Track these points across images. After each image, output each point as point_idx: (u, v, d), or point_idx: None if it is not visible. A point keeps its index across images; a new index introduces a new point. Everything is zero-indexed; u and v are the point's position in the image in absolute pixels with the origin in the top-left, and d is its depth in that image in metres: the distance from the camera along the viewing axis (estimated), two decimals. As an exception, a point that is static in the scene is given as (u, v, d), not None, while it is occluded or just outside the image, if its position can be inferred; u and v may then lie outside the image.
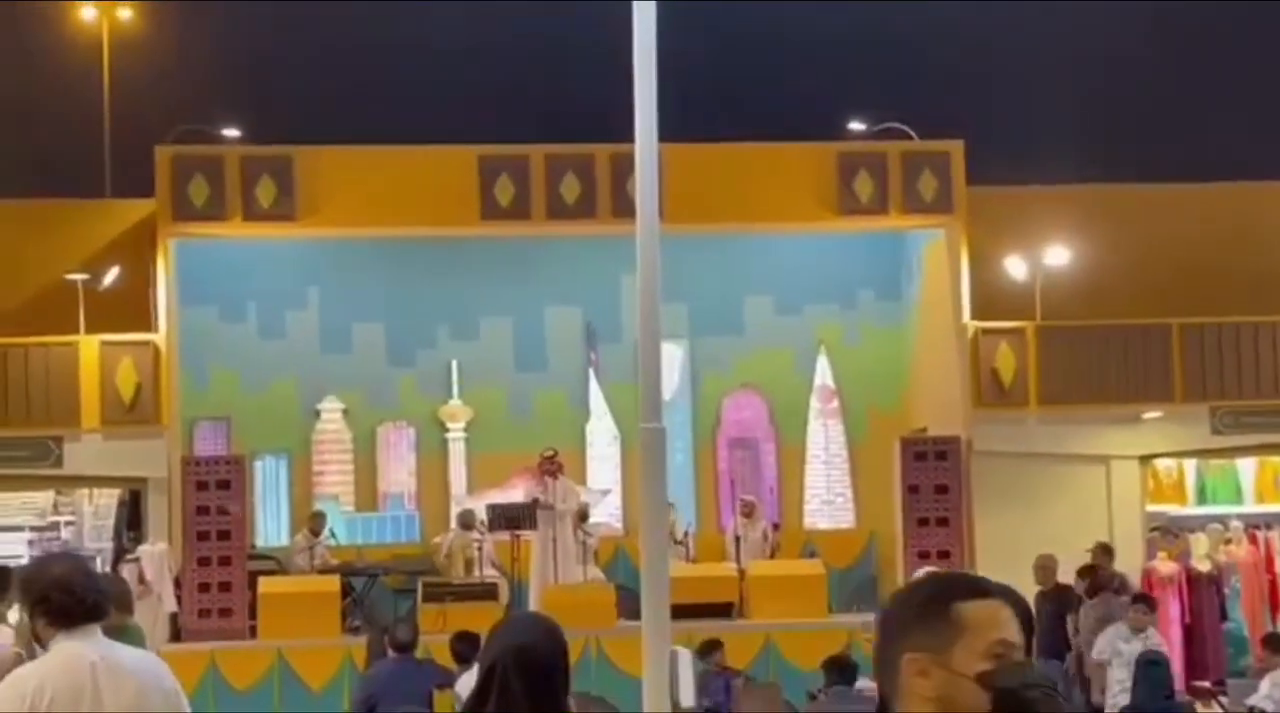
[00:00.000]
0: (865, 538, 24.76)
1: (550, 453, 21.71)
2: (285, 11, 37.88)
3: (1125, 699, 14.34)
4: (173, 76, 34.25)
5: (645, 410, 8.71)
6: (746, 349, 25.52)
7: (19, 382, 21.99)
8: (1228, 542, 22.32)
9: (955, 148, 23.69)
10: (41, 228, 23.15)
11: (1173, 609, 21.10)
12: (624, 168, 20.75)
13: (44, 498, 23.83)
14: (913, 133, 25.04)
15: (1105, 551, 20.91)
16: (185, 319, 23.31)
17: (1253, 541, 22.61)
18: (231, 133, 29.49)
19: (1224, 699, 18.83)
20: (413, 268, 24.69)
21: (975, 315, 23.28)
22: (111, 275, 22.63)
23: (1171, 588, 21.24)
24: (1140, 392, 23.20)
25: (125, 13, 31.91)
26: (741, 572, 21.20)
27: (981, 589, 3.04)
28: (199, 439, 24.21)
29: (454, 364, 25.07)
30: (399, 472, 25.11)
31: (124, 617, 10.37)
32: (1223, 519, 22.91)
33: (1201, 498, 24.30)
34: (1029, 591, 18.19)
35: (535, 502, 21.13)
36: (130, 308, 22.30)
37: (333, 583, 20.88)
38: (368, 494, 24.98)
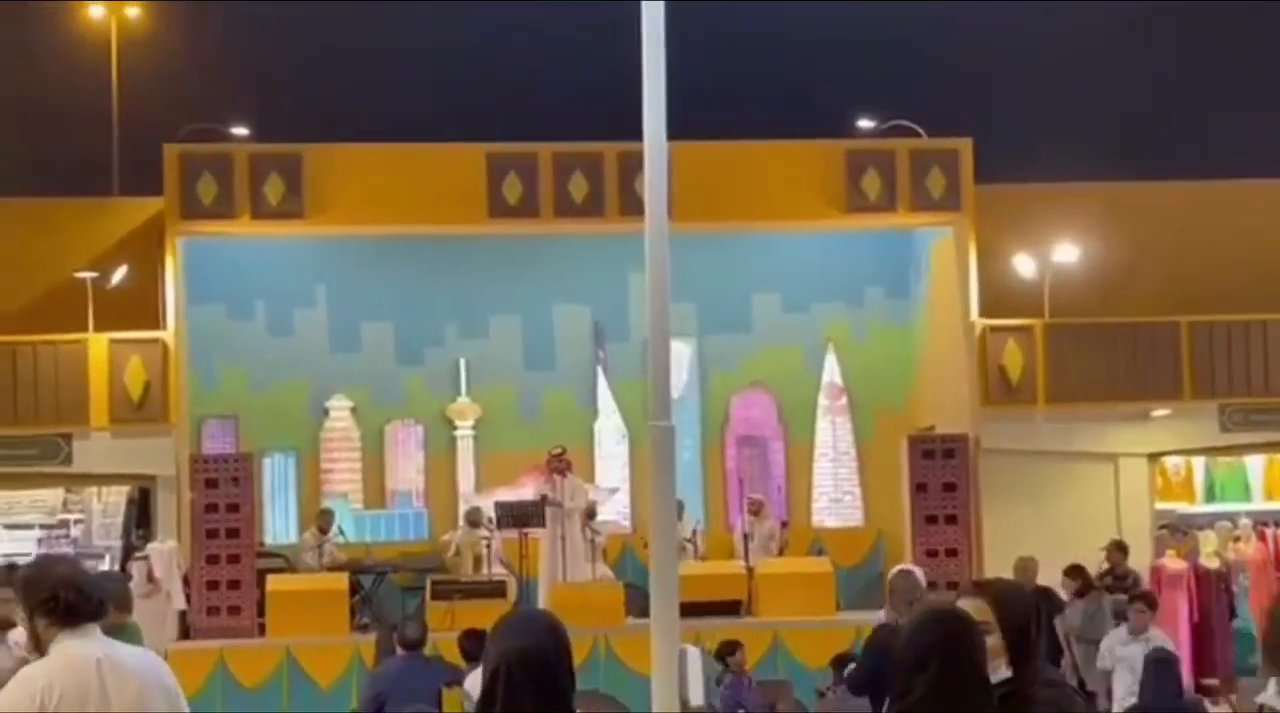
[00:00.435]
0: (873, 536, 24.74)
1: (559, 451, 21.73)
2: (293, 10, 37.91)
3: (1131, 703, 14.26)
4: (181, 75, 34.29)
5: (655, 408, 8.70)
6: (754, 347, 25.52)
7: (28, 380, 22.02)
8: (1236, 539, 22.31)
9: (963, 145, 23.68)
10: (50, 226, 23.18)
11: (1181, 607, 21.09)
12: (632, 166, 20.78)
13: (53, 496, 23.87)
14: (921, 130, 25.02)
15: (1120, 548, 20.92)
16: (194, 317, 23.34)
17: (1261, 538, 22.60)
18: (240, 131, 29.54)
19: (1233, 697, 18.84)
20: (421, 266, 24.69)
21: (983, 313, 23.26)
22: (120, 274, 22.65)
23: (1180, 586, 21.22)
24: (1148, 389, 23.18)
25: (133, 11, 31.94)
26: (750, 570, 21.21)
27: None
28: (207, 437, 24.22)
29: (462, 362, 25.07)
30: (407, 470, 25.11)
31: (123, 616, 10.39)
32: (1231, 517, 22.90)
33: (1210, 496, 24.30)
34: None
35: (543, 499, 21.15)
36: (139, 306, 22.33)
37: (341, 581, 20.90)
38: (376, 492, 24.99)
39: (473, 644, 14.23)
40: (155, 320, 22.41)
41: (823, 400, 25.69)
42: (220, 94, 33.65)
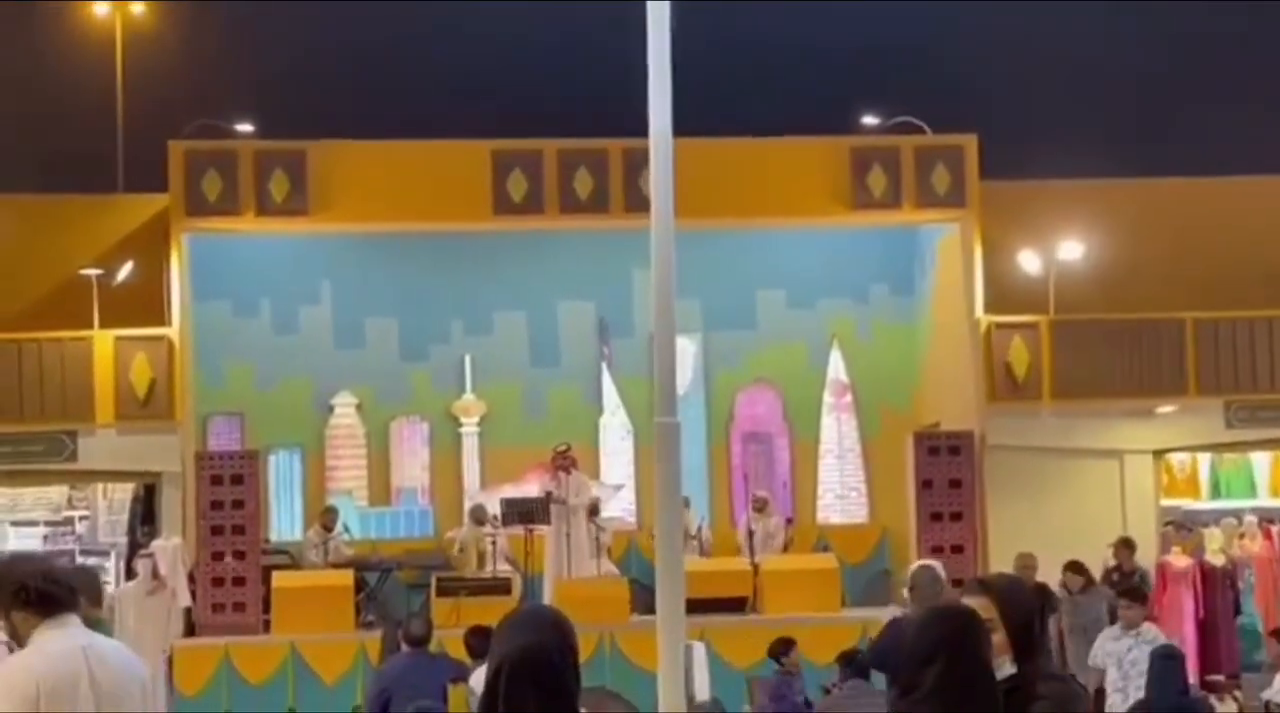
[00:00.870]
0: (878, 533, 24.75)
1: (563, 447, 21.74)
2: (297, 7, 37.93)
3: (1119, 701, 14.22)
4: (185, 72, 34.30)
5: (660, 404, 8.70)
6: (759, 344, 25.52)
7: (33, 377, 22.03)
8: (1241, 536, 22.29)
9: (968, 142, 23.67)
10: (55, 223, 23.20)
11: (1187, 604, 21.07)
12: (636, 162, 20.79)
13: (58, 493, 23.90)
14: (926, 127, 25.02)
15: (1127, 545, 20.91)
16: (199, 314, 23.36)
17: (1266, 534, 22.57)
18: (245, 128, 29.54)
19: (1239, 694, 18.83)
20: (426, 263, 24.71)
21: (988, 310, 23.26)
22: (125, 271, 22.67)
23: (1185, 582, 21.20)
24: (1154, 386, 23.17)
25: (138, 8, 31.96)
26: (755, 567, 21.19)
27: None
28: (213, 434, 24.25)
29: (467, 359, 25.09)
30: (412, 466, 25.13)
31: (95, 610, 10.40)
32: (1236, 513, 22.89)
33: (1215, 492, 24.29)
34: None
35: (548, 496, 21.15)
36: (144, 303, 22.34)
37: (346, 577, 20.91)
38: (381, 489, 25.01)
39: (478, 641, 14.23)
40: (160, 317, 22.42)
41: (828, 397, 25.70)
42: (225, 90, 33.67)
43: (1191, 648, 20.02)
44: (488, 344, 25.12)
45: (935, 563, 12.38)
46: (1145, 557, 21.57)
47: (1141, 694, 13.52)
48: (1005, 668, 5.31)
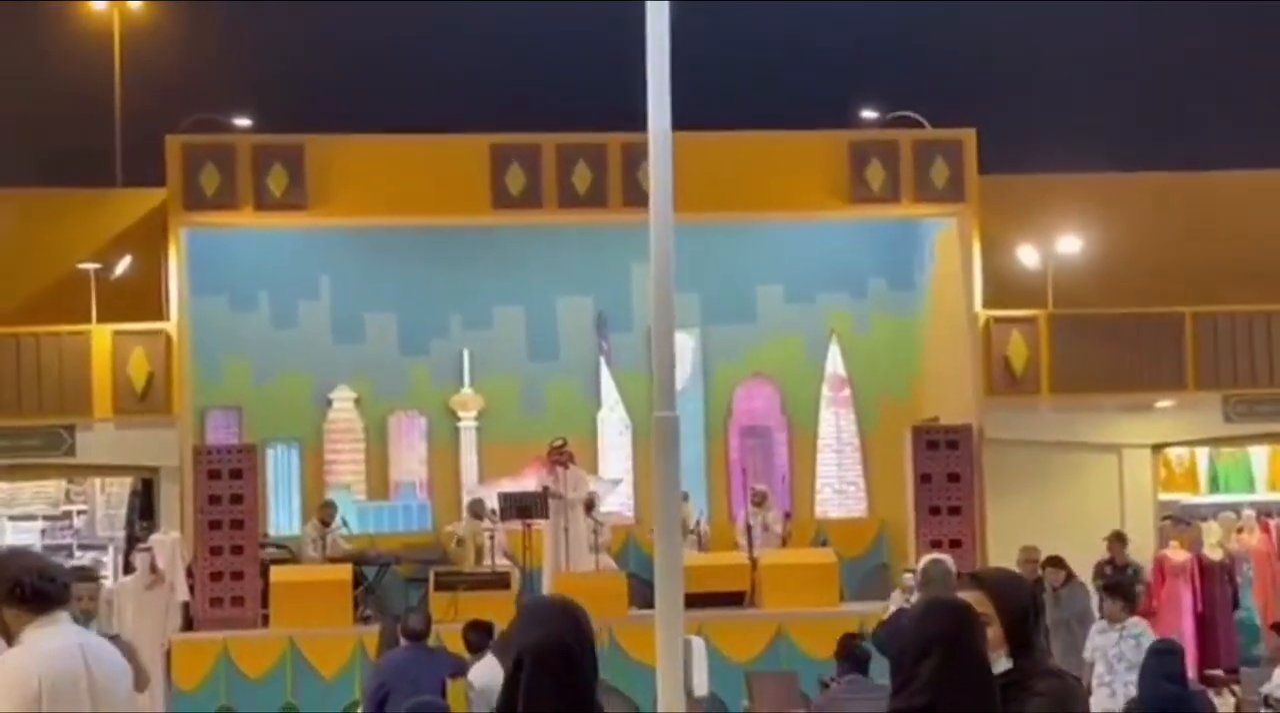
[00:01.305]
0: (877, 527, 24.77)
1: (559, 442, 21.72)
2: (296, 2, 37.88)
3: (1105, 695, 14.18)
4: (183, 66, 34.25)
5: (658, 399, 8.69)
6: (758, 338, 25.53)
7: (31, 371, 22.03)
8: (1240, 530, 22.30)
9: (967, 136, 23.66)
10: (53, 218, 23.18)
11: (1185, 598, 21.09)
12: (635, 157, 20.79)
13: (56, 487, 23.87)
14: (924, 121, 24.99)
15: (1119, 538, 20.91)
16: (197, 308, 23.35)
17: (1265, 529, 22.59)
18: (243, 122, 29.47)
19: (1237, 688, 18.82)
20: (424, 257, 24.70)
21: (987, 304, 23.25)
22: (123, 265, 22.66)
23: (1183, 577, 21.22)
24: (1152, 380, 23.18)
25: (136, 2, 31.90)
26: (753, 561, 21.19)
27: None
28: (211, 428, 24.25)
29: (466, 353, 25.09)
30: (411, 461, 25.13)
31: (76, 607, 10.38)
32: (1235, 507, 22.90)
33: (1214, 486, 24.29)
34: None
35: (546, 491, 21.14)
36: (142, 297, 22.34)
37: (345, 572, 20.91)
38: (379, 483, 25.01)
39: (477, 636, 14.24)
40: (158, 312, 22.41)
41: (826, 391, 25.71)
42: (223, 84, 33.63)
43: (1190, 643, 20.03)
44: (486, 339, 25.11)
45: (947, 557, 12.29)
46: (1143, 551, 21.58)
47: (1129, 690, 13.53)
48: (1001, 663, 5.30)
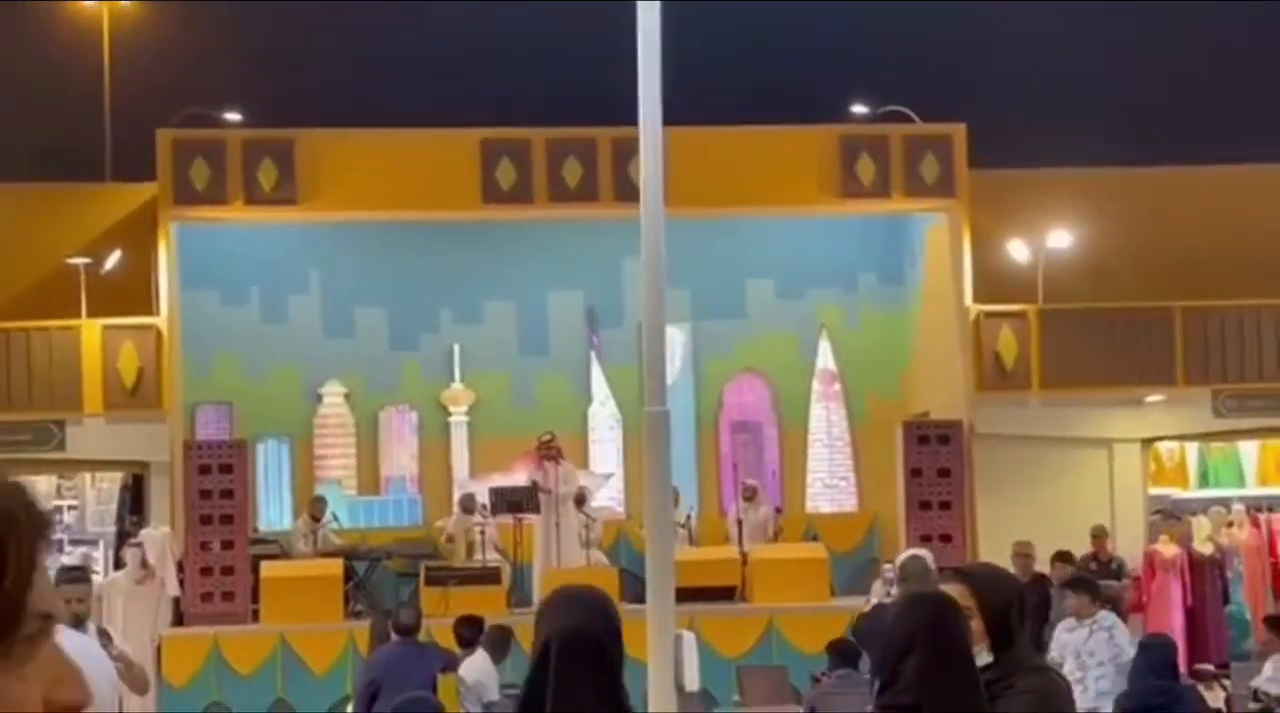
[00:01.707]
0: (867, 522, 24.77)
1: (548, 437, 21.68)
2: (286, -4, 37.84)
3: (1078, 691, 14.05)
4: (174, 60, 34.21)
5: (649, 394, 8.70)
6: (748, 333, 25.52)
7: (21, 366, 22.00)
8: (1230, 525, 22.34)
9: (957, 131, 23.67)
10: (43, 212, 23.15)
11: (1175, 592, 21.11)
12: (625, 151, 20.75)
13: (46, 482, 23.84)
14: (915, 116, 25.00)
15: (1101, 533, 20.95)
16: (187, 303, 23.31)
17: (1254, 523, 22.64)
18: (233, 116, 29.45)
19: (1227, 682, 18.84)
20: (415, 252, 24.68)
21: (977, 299, 23.27)
22: (113, 259, 22.63)
23: (1173, 571, 21.24)
24: (1142, 375, 23.20)
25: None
26: (744, 555, 21.19)
27: None
28: (201, 423, 24.21)
29: (456, 348, 25.07)
30: (401, 456, 25.12)
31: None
32: (1225, 502, 22.93)
33: (1203, 481, 24.34)
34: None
35: (534, 486, 21.14)
36: (132, 292, 22.31)
37: (335, 567, 20.88)
38: (370, 478, 24.99)
39: (468, 630, 14.25)
40: (149, 306, 22.39)
41: (817, 386, 25.71)
42: (213, 79, 33.60)
43: (1180, 637, 20.02)
44: (477, 333, 25.10)
45: (925, 553, 12.34)
46: (1133, 546, 21.60)
47: (1100, 684, 13.49)
48: (982, 657, 5.29)
